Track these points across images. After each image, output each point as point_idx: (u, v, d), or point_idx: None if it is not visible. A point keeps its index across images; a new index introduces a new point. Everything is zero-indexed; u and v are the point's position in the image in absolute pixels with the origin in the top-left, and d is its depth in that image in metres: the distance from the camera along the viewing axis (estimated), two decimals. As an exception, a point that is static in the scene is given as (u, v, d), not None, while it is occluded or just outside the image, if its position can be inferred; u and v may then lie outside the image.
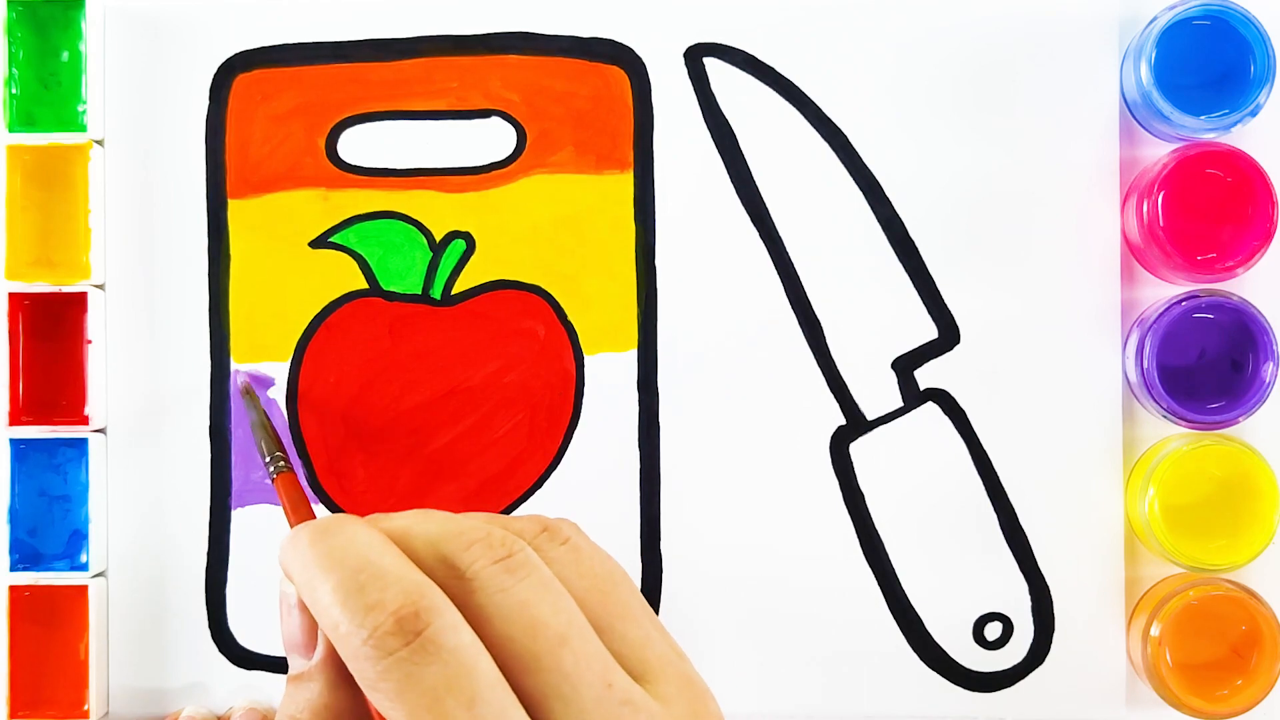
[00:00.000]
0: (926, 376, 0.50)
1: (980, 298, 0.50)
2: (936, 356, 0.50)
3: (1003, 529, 0.50)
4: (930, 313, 0.50)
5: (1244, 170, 0.47)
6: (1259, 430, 0.49)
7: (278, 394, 0.51)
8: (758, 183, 0.51)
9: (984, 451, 0.50)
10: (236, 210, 0.51)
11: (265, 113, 0.51)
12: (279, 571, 0.33)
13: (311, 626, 0.32)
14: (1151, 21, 0.48)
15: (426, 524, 0.31)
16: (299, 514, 0.40)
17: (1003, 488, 0.50)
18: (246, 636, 0.51)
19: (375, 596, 0.28)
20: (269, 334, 0.51)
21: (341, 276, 0.51)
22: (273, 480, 0.43)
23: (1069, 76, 0.50)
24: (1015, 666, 0.50)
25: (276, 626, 0.50)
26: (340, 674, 0.31)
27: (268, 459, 0.45)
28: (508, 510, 0.51)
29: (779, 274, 0.50)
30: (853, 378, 0.50)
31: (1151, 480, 0.48)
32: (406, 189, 0.51)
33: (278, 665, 0.51)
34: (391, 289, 0.51)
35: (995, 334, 0.50)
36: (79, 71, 0.51)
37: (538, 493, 0.50)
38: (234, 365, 0.50)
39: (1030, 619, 0.50)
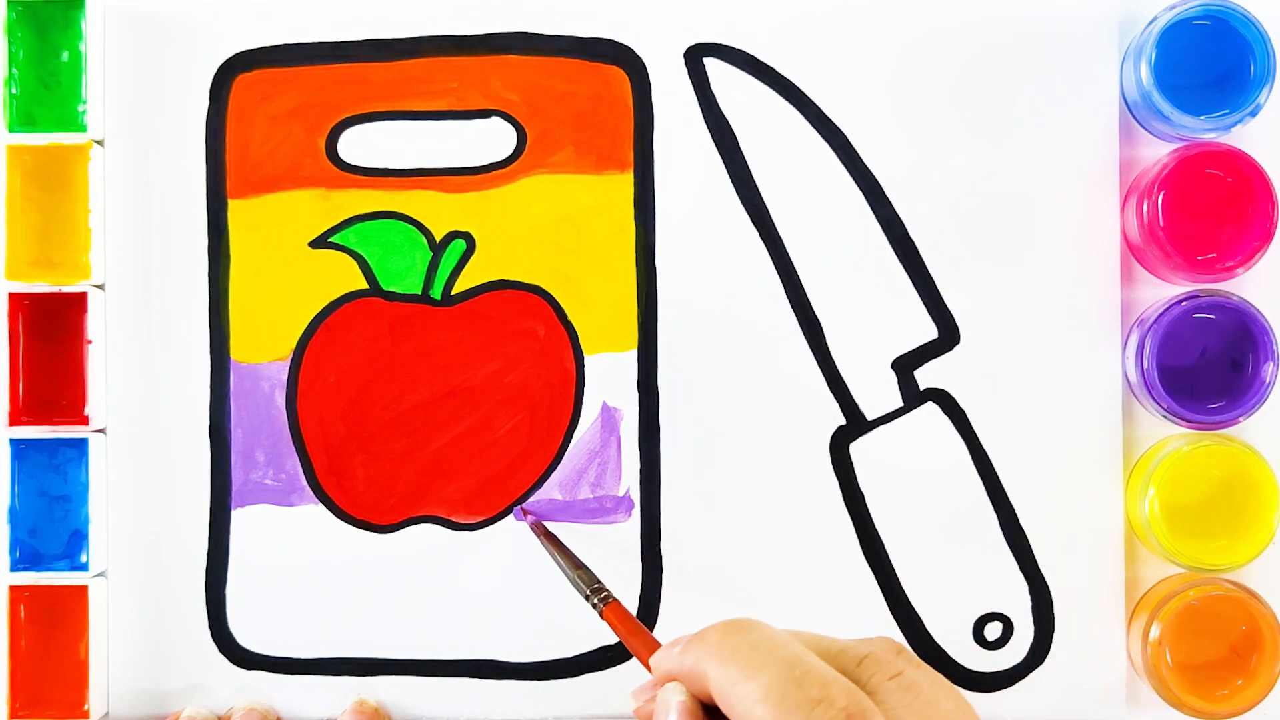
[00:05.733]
0: (926, 376, 0.50)
1: (980, 298, 0.50)
2: (936, 356, 0.50)
3: (1003, 529, 0.50)
4: (930, 313, 0.50)
5: (1244, 170, 0.47)
6: (1259, 430, 0.49)
7: (278, 393, 0.51)
8: (758, 183, 0.51)
9: (984, 451, 0.50)
10: (236, 210, 0.51)
11: (265, 113, 0.51)
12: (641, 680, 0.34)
13: None
14: (1151, 21, 0.48)
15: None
16: (640, 638, 0.39)
17: (1003, 488, 0.50)
18: (246, 636, 0.51)
19: (818, 691, 0.29)
20: (269, 334, 0.51)
21: (341, 276, 0.51)
22: (601, 614, 0.42)
23: (1069, 76, 0.50)
24: (1015, 666, 0.50)
25: (275, 626, 0.50)
26: None
27: (588, 593, 0.43)
28: (508, 510, 0.51)
29: (779, 274, 0.50)
30: (853, 378, 0.50)
31: (1151, 480, 0.48)
32: (406, 189, 0.51)
33: (278, 665, 0.51)
34: (391, 289, 0.51)
35: (995, 334, 0.50)
36: (79, 71, 0.51)
37: (538, 492, 0.51)
38: (520, 507, 0.50)
39: (1030, 619, 0.50)
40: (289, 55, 0.51)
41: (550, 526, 0.50)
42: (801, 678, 0.30)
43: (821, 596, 0.50)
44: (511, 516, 0.50)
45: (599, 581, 0.43)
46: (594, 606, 0.42)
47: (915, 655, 0.33)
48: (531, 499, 0.50)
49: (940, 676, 0.32)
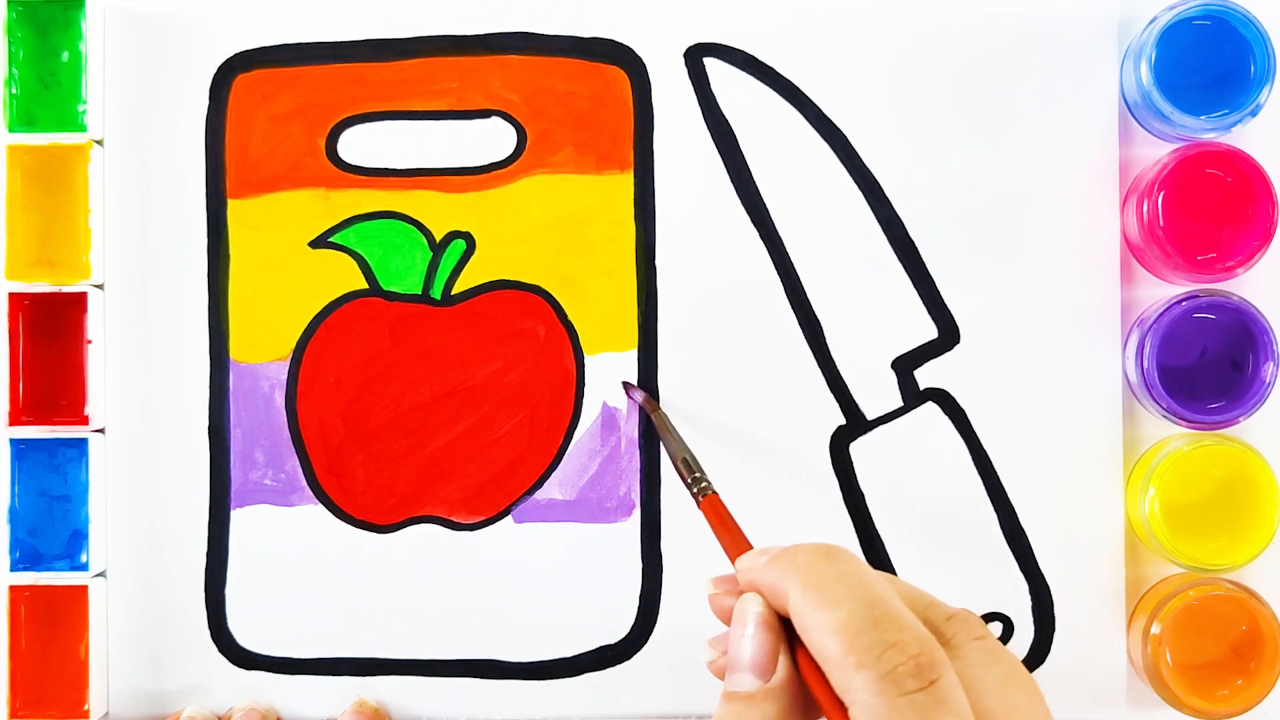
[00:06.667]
0: (926, 376, 0.50)
1: (980, 298, 0.50)
2: (936, 356, 0.50)
3: (1003, 529, 0.50)
4: (930, 313, 0.50)
5: (1244, 170, 0.47)
6: (1259, 430, 0.49)
7: (277, 393, 0.51)
8: (758, 183, 0.51)
9: (984, 451, 0.50)
10: (236, 210, 0.51)
11: (265, 113, 0.51)
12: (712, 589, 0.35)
13: (775, 648, 0.32)
14: (1151, 21, 0.48)
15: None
16: (732, 535, 0.39)
17: (1003, 488, 0.50)
18: (246, 636, 0.51)
19: (893, 635, 0.29)
20: (269, 334, 0.51)
21: (341, 276, 0.51)
22: (699, 504, 0.41)
23: (1069, 76, 0.50)
24: (1015, 666, 0.50)
25: (275, 626, 0.50)
26: (798, 701, 0.32)
27: (689, 480, 0.42)
28: (508, 510, 0.51)
29: (779, 274, 0.50)
30: (853, 378, 0.50)
31: (1151, 480, 0.48)
32: (406, 189, 0.51)
33: (278, 665, 0.51)
34: (391, 289, 0.51)
35: (995, 334, 0.50)
36: (79, 71, 0.51)
37: (538, 492, 0.50)
38: (627, 382, 0.50)
39: (1030, 619, 0.50)
40: (289, 55, 0.51)
41: (550, 526, 0.50)
42: (880, 619, 0.30)
43: (821, 596, 0.50)
44: (624, 391, 0.50)
45: (701, 470, 0.43)
46: (693, 496, 0.42)
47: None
48: (531, 499, 0.50)
49: (1015, 655, 0.32)
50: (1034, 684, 0.32)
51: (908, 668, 0.29)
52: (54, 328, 0.50)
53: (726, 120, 0.51)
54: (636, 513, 0.50)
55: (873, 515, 0.50)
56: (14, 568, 0.50)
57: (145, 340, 0.51)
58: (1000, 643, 0.32)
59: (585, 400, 0.51)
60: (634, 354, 0.51)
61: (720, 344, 0.50)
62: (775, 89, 0.51)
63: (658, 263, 0.51)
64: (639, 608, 0.50)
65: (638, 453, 0.50)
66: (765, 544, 0.50)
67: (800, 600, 0.31)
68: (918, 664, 0.29)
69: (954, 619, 0.32)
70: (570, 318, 0.51)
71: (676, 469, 0.44)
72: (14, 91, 0.51)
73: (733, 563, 0.37)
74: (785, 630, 0.32)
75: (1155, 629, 0.47)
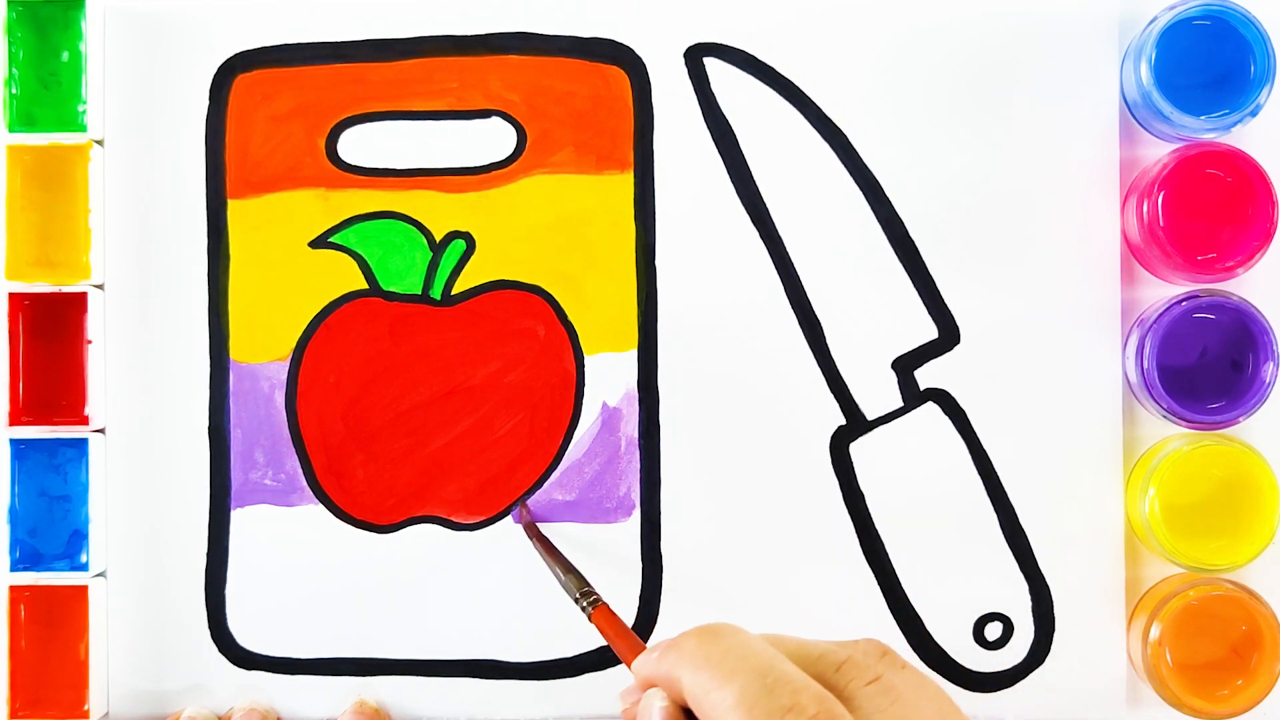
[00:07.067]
0: (926, 376, 0.50)
1: (980, 298, 0.50)
2: (936, 356, 0.50)
3: (1003, 529, 0.50)
4: (930, 313, 0.50)
5: (1244, 170, 0.47)
6: (1259, 430, 0.49)
7: (277, 393, 0.51)
8: (758, 183, 0.51)
9: (984, 451, 0.50)
10: (236, 210, 0.51)
11: (265, 113, 0.51)
12: (629, 682, 0.34)
13: None
14: (1151, 21, 0.48)
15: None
16: (626, 641, 0.40)
17: (1003, 488, 0.50)
18: (246, 636, 0.51)
19: (789, 700, 0.29)
20: (269, 334, 0.51)
21: (341, 276, 0.51)
22: (590, 617, 0.42)
23: (1069, 76, 0.50)
24: (1015, 666, 0.50)
25: (275, 626, 0.50)
26: None
27: (578, 595, 0.43)
28: (508, 510, 0.51)
29: (779, 274, 0.50)
30: (853, 378, 0.50)
31: (1151, 480, 0.48)
32: (406, 189, 0.51)
33: (278, 665, 0.51)
34: (391, 289, 0.51)
35: (995, 334, 0.50)
36: (79, 71, 0.51)
37: (538, 492, 0.50)
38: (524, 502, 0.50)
39: (1030, 619, 0.50)
40: (289, 55, 0.51)
41: (550, 526, 0.50)
42: (773, 685, 0.30)
43: (821, 596, 0.50)
44: (510, 517, 0.50)
45: (588, 584, 0.44)
46: (583, 610, 0.42)
47: (900, 657, 0.33)
48: (531, 499, 0.50)
49: (925, 678, 0.32)
50: (945, 703, 0.32)
51: None
52: (54, 328, 0.50)
53: (726, 120, 0.51)
54: (636, 513, 0.50)
55: (873, 515, 0.50)
56: (14, 568, 0.50)
57: (145, 340, 0.51)
58: (904, 670, 0.32)
59: (585, 400, 0.51)
60: (634, 354, 0.51)
61: (720, 344, 0.50)
62: (775, 89, 0.51)
63: (658, 263, 0.51)
64: (639, 608, 0.50)
65: (638, 453, 0.50)
66: (763, 543, 0.50)
67: (693, 684, 0.31)
68: None
69: (844, 667, 0.32)
70: (570, 318, 0.51)
71: (564, 586, 0.45)
72: (14, 91, 0.51)
73: (629, 667, 0.37)
74: None
75: (1155, 629, 0.47)
